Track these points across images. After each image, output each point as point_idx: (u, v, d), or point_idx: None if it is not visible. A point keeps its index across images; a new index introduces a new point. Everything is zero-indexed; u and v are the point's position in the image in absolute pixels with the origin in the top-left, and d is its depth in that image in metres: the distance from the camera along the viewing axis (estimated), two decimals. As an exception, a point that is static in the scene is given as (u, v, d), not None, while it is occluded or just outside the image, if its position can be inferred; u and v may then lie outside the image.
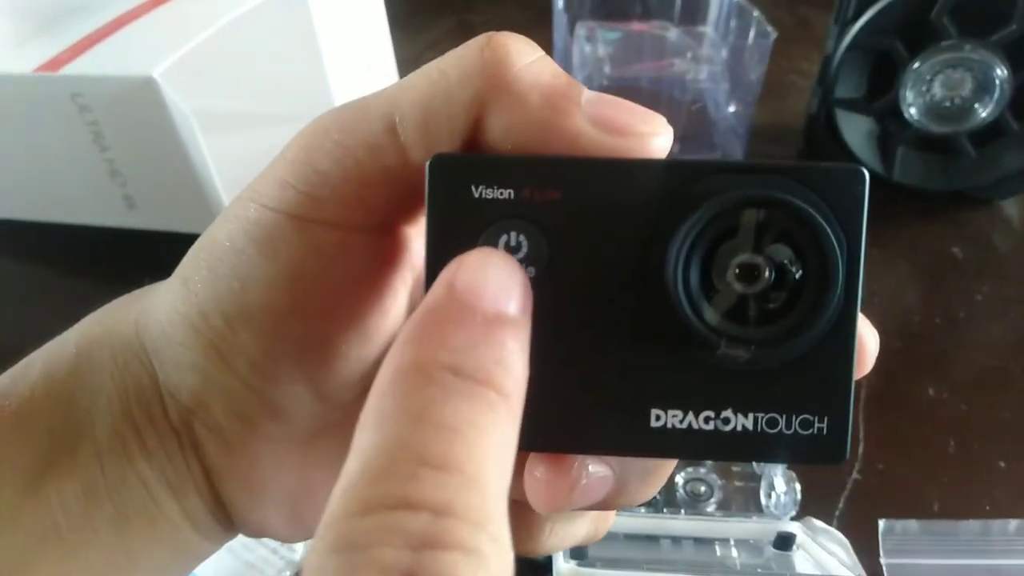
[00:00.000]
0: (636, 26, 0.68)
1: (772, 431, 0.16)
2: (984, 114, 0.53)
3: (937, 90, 0.53)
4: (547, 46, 0.68)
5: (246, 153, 0.51)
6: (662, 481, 0.20)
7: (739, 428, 0.17)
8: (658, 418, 0.17)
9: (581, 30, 0.66)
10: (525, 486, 0.19)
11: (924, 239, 0.56)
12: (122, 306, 0.22)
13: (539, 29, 0.72)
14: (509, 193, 0.17)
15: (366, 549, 0.12)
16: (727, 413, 0.17)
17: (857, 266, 0.16)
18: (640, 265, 0.16)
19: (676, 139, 0.58)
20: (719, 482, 0.37)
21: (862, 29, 0.52)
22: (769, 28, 0.57)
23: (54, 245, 0.54)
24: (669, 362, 0.16)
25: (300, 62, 0.55)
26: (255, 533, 0.23)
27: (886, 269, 0.53)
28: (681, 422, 0.17)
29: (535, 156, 0.17)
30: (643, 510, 0.35)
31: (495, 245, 0.17)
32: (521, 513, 0.21)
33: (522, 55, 0.18)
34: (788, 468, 0.36)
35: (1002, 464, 0.40)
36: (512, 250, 0.17)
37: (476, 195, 0.17)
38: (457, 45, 0.53)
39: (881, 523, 0.36)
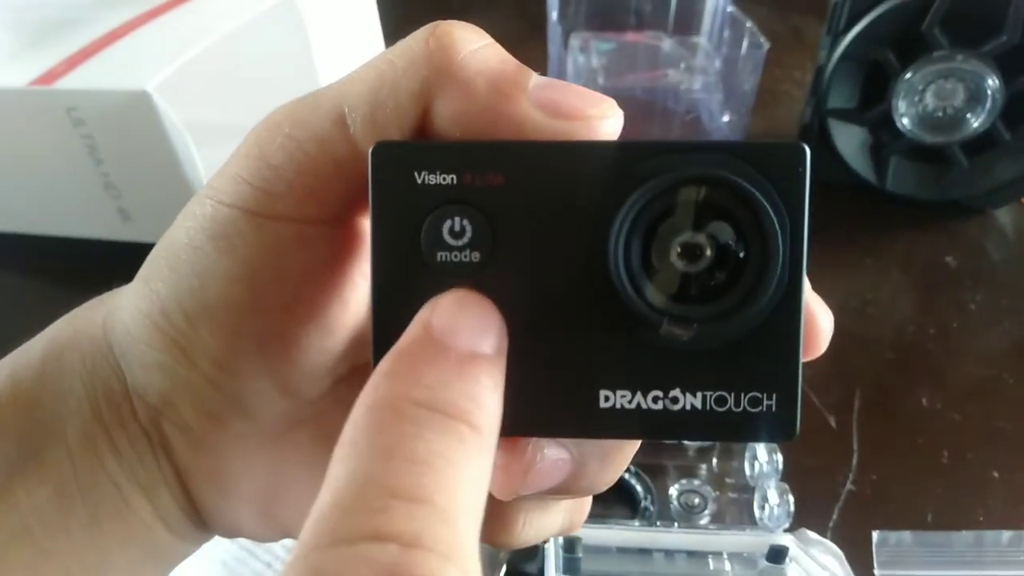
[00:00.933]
0: (630, 37, 0.68)
1: (721, 409, 0.17)
2: (976, 124, 0.53)
3: (929, 100, 0.54)
4: (542, 57, 0.68)
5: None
6: (623, 464, 0.20)
7: (688, 407, 0.17)
8: (607, 399, 0.17)
9: (575, 41, 0.66)
10: None
11: (918, 248, 0.56)
12: (90, 308, 0.23)
13: (533, 40, 0.72)
14: (451, 178, 0.17)
15: None
16: (675, 392, 0.17)
17: (800, 242, 0.16)
18: (583, 247, 0.16)
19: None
20: (713, 494, 0.37)
21: (854, 40, 0.53)
22: (762, 39, 0.57)
23: (49, 258, 0.54)
24: (616, 343, 0.16)
25: (294, 73, 0.55)
26: (228, 533, 0.23)
27: (880, 279, 0.53)
28: (630, 402, 0.17)
29: (476, 141, 0.17)
30: (636, 523, 0.35)
31: (439, 231, 0.17)
32: (494, 506, 0.20)
33: (468, 42, 0.18)
34: (781, 480, 0.36)
35: (996, 474, 0.40)
36: (456, 235, 0.17)
37: (419, 181, 0.17)
38: None
39: (875, 534, 0.36)
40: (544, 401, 0.17)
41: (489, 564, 0.32)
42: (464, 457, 0.14)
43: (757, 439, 0.17)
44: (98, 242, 0.53)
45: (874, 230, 0.57)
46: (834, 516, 0.38)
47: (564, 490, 0.20)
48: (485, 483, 0.15)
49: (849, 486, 0.40)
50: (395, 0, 0.92)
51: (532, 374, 0.17)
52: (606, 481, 0.20)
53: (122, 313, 0.21)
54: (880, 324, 0.50)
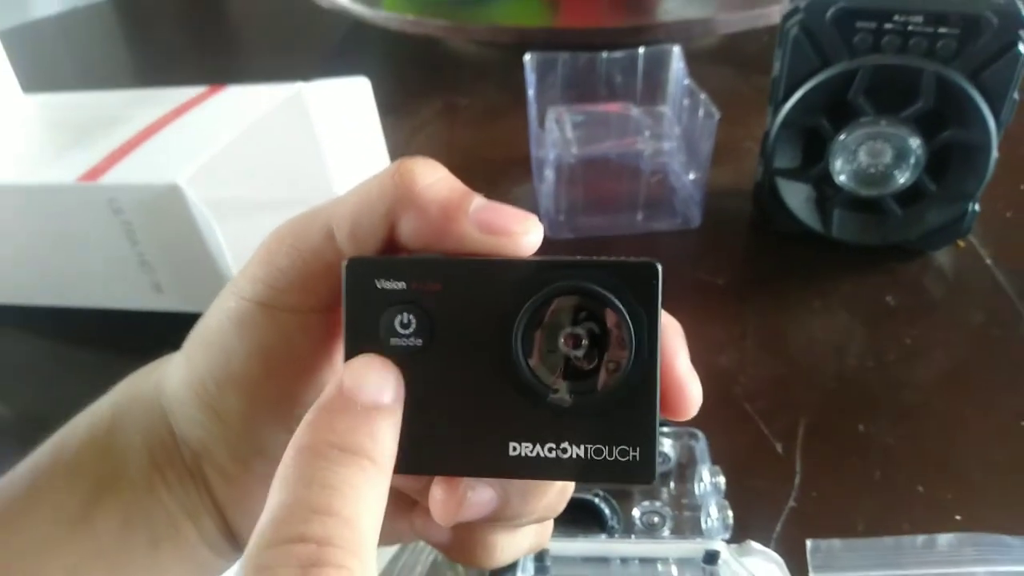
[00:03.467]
0: (602, 107, 0.76)
1: (599, 458, 0.21)
2: (902, 180, 0.59)
3: (863, 158, 0.60)
4: (524, 125, 0.75)
5: (257, 237, 0.58)
6: (540, 500, 0.24)
7: (575, 456, 0.21)
8: (515, 448, 0.21)
9: (552, 114, 0.74)
10: (429, 504, 0.24)
11: (862, 290, 0.62)
12: (145, 375, 0.29)
13: (516, 109, 0.79)
14: (402, 285, 0.22)
15: (271, 570, 0.18)
16: (565, 444, 0.21)
17: (655, 334, 0.21)
18: (497, 336, 0.21)
19: (640, 207, 0.66)
20: (671, 513, 0.43)
21: (792, 109, 0.60)
22: (714, 108, 0.64)
23: (91, 328, 0.60)
24: (520, 407, 0.21)
25: (302, 157, 0.63)
26: None
27: (827, 319, 0.60)
28: (531, 451, 0.21)
29: (421, 258, 0.22)
30: (603, 536, 0.41)
31: (392, 323, 0.22)
32: (479, 536, 0.26)
33: (424, 176, 0.23)
34: (724, 498, 0.42)
35: (920, 488, 0.46)
36: (404, 326, 0.22)
37: (378, 286, 0.22)
38: (444, 127, 0.66)
39: (809, 543, 0.42)
40: (468, 449, 0.22)
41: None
42: (365, 483, 0.19)
43: (625, 482, 0.22)
44: (134, 312, 0.59)
45: (823, 275, 0.64)
46: (777, 529, 0.44)
47: (496, 519, 0.24)
48: (382, 501, 0.20)
49: (791, 503, 0.46)
50: (393, 82, 1.00)
51: (459, 428, 0.22)
52: (529, 512, 0.24)
53: (170, 380, 0.27)
54: (825, 359, 0.56)
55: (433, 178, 0.23)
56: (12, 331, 0.63)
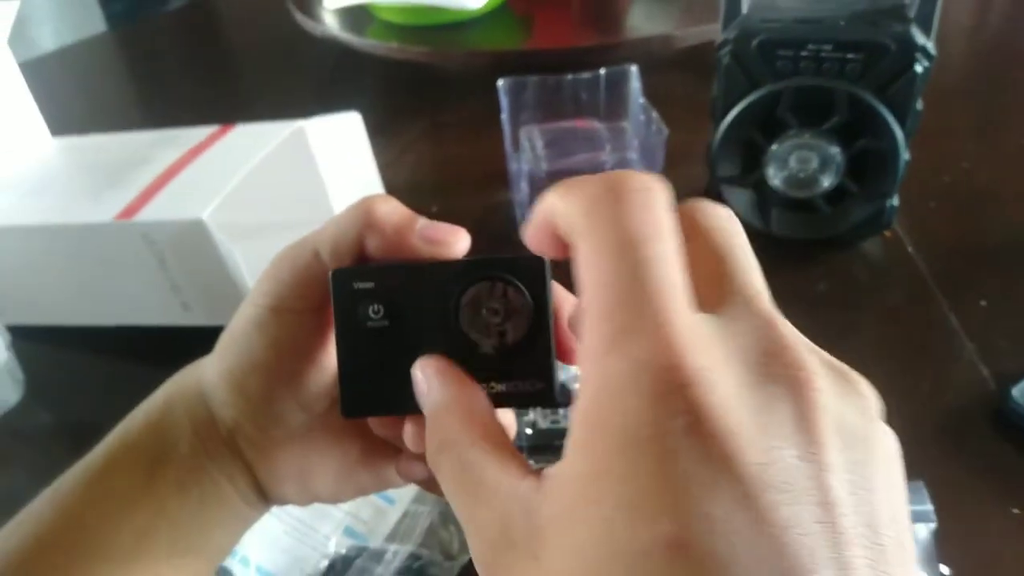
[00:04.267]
0: (569, 124, 0.85)
1: (517, 390, 0.28)
2: (827, 183, 0.68)
3: (793, 165, 0.69)
4: (502, 142, 0.83)
5: (270, 256, 0.67)
6: None
7: (500, 390, 0.28)
8: None
9: (524, 133, 0.82)
10: (404, 439, 0.31)
11: (798, 280, 0.71)
12: (187, 372, 0.35)
13: (495, 125, 0.86)
14: (372, 284, 0.28)
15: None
16: (492, 383, 0.28)
17: (547, 303, 0.27)
18: (441, 313, 0.28)
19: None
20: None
21: (729, 126, 0.68)
22: (663, 126, 0.73)
23: (128, 343, 0.69)
24: (459, 359, 0.28)
25: (305, 184, 0.71)
26: (280, 502, 0.35)
27: (767, 306, 0.68)
28: None
29: (385, 264, 0.29)
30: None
31: (367, 311, 0.28)
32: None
33: (382, 207, 0.30)
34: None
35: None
36: (376, 313, 0.28)
37: (356, 287, 0.28)
38: (430, 145, 0.78)
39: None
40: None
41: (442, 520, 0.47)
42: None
43: (537, 405, 0.30)
44: (166, 328, 0.68)
45: (765, 267, 0.69)
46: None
47: None
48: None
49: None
50: (382, 104, 1.08)
51: (408, 375, 0.28)
52: None
53: (207, 374, 0.33)
54: (763, 342, 0.65)
55: (388, 208, 0.30)
56: (57, 348, 0.71)
